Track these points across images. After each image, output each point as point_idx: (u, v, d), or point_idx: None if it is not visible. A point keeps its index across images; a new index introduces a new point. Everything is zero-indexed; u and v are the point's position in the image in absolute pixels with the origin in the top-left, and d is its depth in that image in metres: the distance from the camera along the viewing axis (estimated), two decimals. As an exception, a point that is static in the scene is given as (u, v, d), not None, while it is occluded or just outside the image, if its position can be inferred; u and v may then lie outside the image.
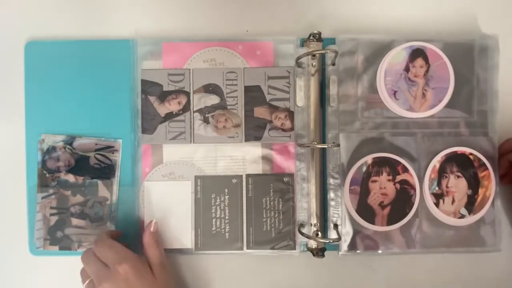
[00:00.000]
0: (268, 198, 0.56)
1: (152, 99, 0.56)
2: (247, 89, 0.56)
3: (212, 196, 0.56)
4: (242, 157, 0.56)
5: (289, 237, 0.55)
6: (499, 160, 0.56)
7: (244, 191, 0.56)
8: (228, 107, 0.56)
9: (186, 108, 0.56)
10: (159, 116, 0.56)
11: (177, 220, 0.56)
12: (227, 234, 0.55)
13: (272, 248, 0.55)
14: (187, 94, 0.56)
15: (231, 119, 0.56)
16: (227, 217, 0.56)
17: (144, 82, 0.56)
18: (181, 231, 0.56)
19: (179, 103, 0.56)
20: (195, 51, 0.56)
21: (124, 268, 0.47)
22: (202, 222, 0.55)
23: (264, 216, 0.55)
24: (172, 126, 0.56)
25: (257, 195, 0.56)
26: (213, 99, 0.56)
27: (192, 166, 0.56)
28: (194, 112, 0.56)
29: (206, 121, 0.56)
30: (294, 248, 0.55)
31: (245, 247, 0.55)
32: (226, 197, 0.56)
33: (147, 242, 0.52)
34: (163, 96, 0.56)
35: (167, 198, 0.56)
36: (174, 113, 0.56)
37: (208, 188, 0.56)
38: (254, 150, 0.56)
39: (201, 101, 0.56)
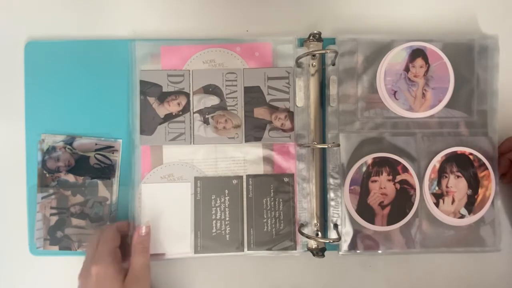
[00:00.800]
0: (268, 199, 0.56)
1: (151, 100, 0.56)
2: (247, 89, 0.56)
3: (212, 198, 0.56)
4: (243, 158, 0.56)
5: (290, 237, 0.55)
6: (499, 159, 0.56)
7: (245, 192, 0.56)
8: (228, 108, 0.56)
9: (186, 109, 0.56)
10: (158, 117, 0.55)
11: (176, 222, 0.55)
12: (227, 236, 0.55)
13: (273, 249, 0.55)
14: (187, 95, 0.56)
15: (231, 120, 0.56)
16: (227, 219, 0.55)
17: (143, 83, 0.56)
18: (180, 233, 0.55)
19: (178, 104, 0.56)
20: (194, 52, 0.56)
21: (95, 270, 0.48)
22: (202, 224, 0.55)
23: (265, 216, 0.55)
24: (171, 127, 0.55)
25: (258, 196, 0.56)
26: (213, 100, 0.56)
27: (191, 168, 0.56)
28: (194, 113, 0.56)
29: (206, 122, 0.56)
30: (295, 249, 0.55)
31: (245, 248, 0.55)
32: (227, 198, 0.56)
33: (134, 246, 0.51)
34: (163, 97, 0.56)
35: (166, 200, 0.55)
36: (173, 114, 0.56)
37: (208, 189, 0.56)
38: (255, 151, 0.56)
39: (201, 102, 0.56)
